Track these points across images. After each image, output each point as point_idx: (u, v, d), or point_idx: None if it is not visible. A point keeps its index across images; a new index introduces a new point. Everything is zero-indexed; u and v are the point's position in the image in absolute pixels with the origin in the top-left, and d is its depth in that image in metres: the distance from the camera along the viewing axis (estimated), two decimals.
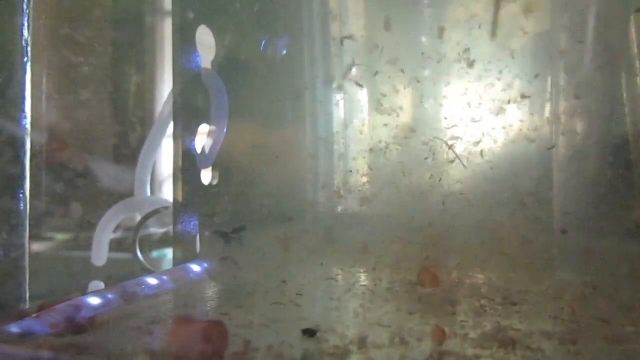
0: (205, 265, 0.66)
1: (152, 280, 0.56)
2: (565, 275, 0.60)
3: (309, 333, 0.41)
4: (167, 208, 0.74)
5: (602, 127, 0.68)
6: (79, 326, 0.44)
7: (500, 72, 0.72)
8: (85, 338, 0.42)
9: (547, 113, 0.74)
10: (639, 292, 0.51)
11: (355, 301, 0.53)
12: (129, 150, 0.90)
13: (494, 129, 0.75)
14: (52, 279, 0.73)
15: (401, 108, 0.83)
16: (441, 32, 0.71)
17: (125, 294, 0.51)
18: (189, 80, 0.71)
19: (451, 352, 0.37)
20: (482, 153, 0.76)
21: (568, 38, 0.66)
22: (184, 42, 0.70)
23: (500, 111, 0.74)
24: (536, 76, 0.69)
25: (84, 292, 0.54)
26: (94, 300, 0.49)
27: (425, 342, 0.39)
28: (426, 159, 0.79)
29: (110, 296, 0.50)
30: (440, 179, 0.75)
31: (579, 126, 0.70)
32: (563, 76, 0.70)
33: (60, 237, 0.89)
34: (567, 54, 0.66)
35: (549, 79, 0.73)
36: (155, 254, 0.93)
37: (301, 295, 0.54)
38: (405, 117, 0.82)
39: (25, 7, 0.56)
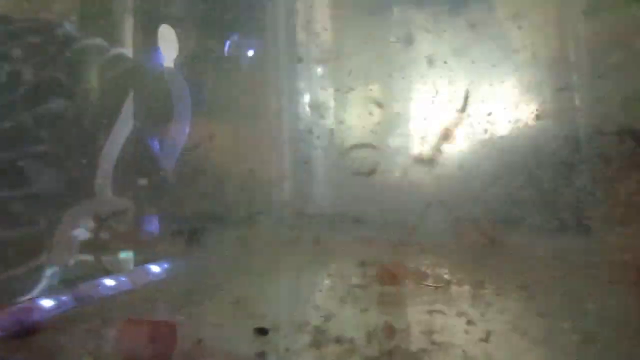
0: (165, 265, 0.65)
1: (109, 281, 0.56)
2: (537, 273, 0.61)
3: (261, 331, 0.41)
4: (128, 209, 0.73)
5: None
6: (28, 329, 0.43)
7: None
8: (34, 341, 0.41)
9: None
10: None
11: (313, 300, 0.53)
12: (90, 150, 0.88)
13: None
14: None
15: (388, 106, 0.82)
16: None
17: (79, 296, 0.51)
18: (150, 80, 0.70)
19: (400, 348, 0.37)
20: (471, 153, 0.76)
21: None
22: (145, 41, 0.69)
23: (484, 116, 0.74)
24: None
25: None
26: (46, 303, 0.48)
27: (376, 339, 0.40)
28: (403, 158, 0.79)
29: (63, 298, 0.50)
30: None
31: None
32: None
33: None
34: None
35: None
36: (122, 254, 0.92)
37: (261, 294, 0.54)
38: (388, 116, 0.82)
39: None
